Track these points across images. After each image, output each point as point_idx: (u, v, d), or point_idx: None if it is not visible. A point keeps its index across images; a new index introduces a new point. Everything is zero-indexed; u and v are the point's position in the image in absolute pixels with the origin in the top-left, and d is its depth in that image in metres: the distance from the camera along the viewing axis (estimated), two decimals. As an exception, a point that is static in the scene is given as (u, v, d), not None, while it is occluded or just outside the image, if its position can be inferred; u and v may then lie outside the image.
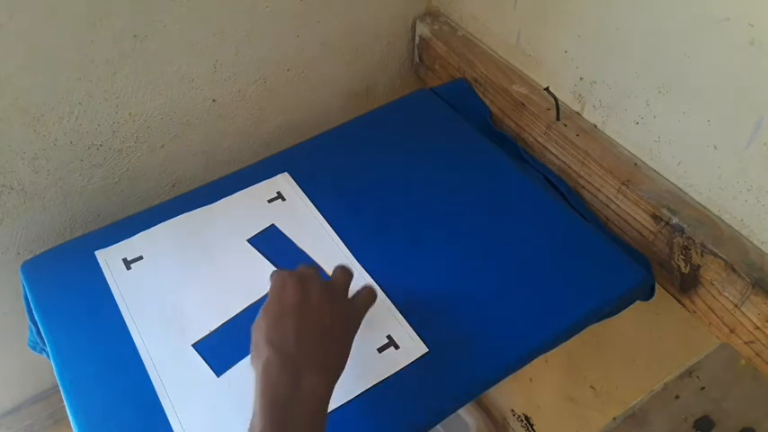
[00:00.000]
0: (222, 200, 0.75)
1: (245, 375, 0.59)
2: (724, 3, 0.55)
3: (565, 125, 0.76)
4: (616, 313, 0.68)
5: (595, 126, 0.76)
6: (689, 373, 0.58)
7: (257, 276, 0.66)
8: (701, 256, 0.64)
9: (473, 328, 0.63)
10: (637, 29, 0.65)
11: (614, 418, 0.56)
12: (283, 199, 0.76)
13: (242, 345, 0.59)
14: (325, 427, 0.48)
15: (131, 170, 0.82)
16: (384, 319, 0.64)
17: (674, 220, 0.66)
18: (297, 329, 0.50)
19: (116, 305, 0.66)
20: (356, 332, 0.56)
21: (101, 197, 0.82)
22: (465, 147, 0.81)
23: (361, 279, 0.67)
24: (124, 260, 0.70)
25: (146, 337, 0.63)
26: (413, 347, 0.61)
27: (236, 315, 0.64)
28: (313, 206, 0.75)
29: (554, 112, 0.77)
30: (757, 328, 0.60)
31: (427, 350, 0.61)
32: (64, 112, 0.71)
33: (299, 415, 0.46)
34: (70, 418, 0.58)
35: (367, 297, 0.58)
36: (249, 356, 0.53)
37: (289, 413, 0.46)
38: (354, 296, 0.57)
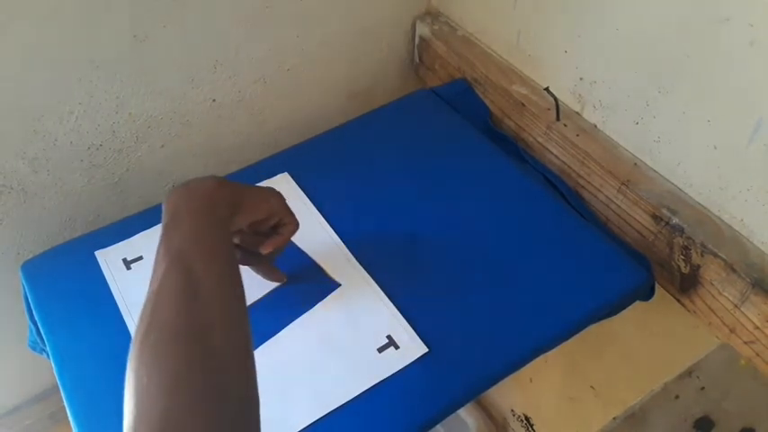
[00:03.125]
0: (222, 200, 0.75)
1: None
2: (724, 3, 0.55)
3: (565, 125, 0.76)
4: (616, 313, 0.68)
5: (595, 126, 0.76)
6: (689, 373, 0.58)
7: (257, 276, 0.66)
8: (701, 256, 0.64)
9: (473, 327, 0.63)
10: (637, 29, 0.65)
11: (614, 418, 0.56)
12: (283, 199, 0.76)
13: (242, 345, 0.59)
14: (213, 218, 0.51)
15: (131, 170, 0.82)
16: (384, 319, 0.64)
17: (674, 220, 0.66)
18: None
19: (116, 305, 0.66)
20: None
21: (101, 197, 0.82)
22: (465, 147, 0.81)
23: (362, 279, 0.67)
24: (124, 260, 0.70)
25: (146, 337, 0.63)
26: (413, 347, 0.61)
27: (236, 315, 0.64)
28: (313, 206, 0.75)
29: (554, 112, 0.77)
30: (757, 328, 0.60)
31: (427, 350, 0.61)
32: (64, 112, 0.71)
33: (185, 203, 0.50)
34: (70, 418, 0.58)
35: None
36: None
37: (176, 204, 0.50)
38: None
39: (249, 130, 0.89)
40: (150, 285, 0.46)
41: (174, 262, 0.46)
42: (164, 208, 0.51)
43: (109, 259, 0.70)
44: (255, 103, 0.87)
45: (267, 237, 0.61)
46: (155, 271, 0.46)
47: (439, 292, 0.66)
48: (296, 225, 0.61)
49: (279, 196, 0.60)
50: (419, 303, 0.65)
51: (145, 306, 0.44)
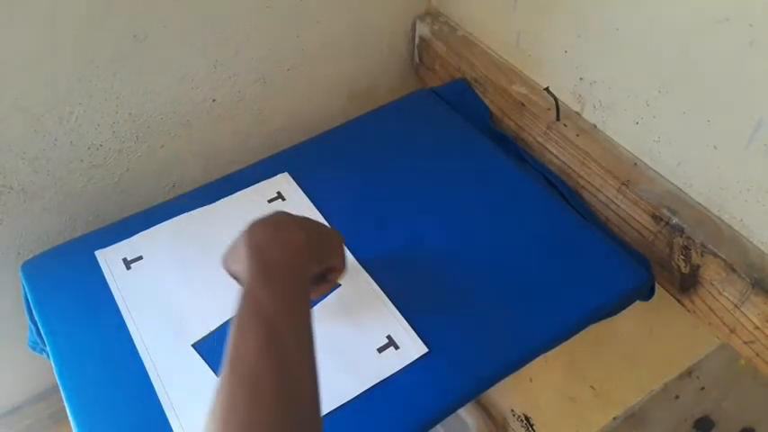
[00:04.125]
0: (222, 200, 0.75)
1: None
2: (724, 3, 0.55)
3: (565, 125, 0.76)
4: (616, 313, 0.68)
5: (595, 126, 0.76)
6: (689, 373, 0.58)
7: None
8: (701, 256, 0.64)
9: (473, 328, 0.63)
10: (637, 29, 0.65)
11: (614, 418, 0.56)
12: (283, 199, 0.76)
13: (242, 345, 0.59)
14: (302, 276, 0.50)
15: (131, 170, 0.82)
16: (384, 319, 0.64)
17: (674, 220, 0.66)
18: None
19: (116, 305, 0.66)
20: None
21: (101, 197, 0.82)
22: (465, 147, 0.82)
23: (362, 279, 0.67)
24: (124, 260, 0.70)
25: (146, 337, 0.63)
26: (413, 347, 0.61)
27: (236, 315, 0.64)
28: (313, 206, 0.75)
29: (554, 112, 0.77)
30: (757, 328, 0.60)
31: (427, 350, 0.61)
32: (64, 112, 0.71)
33: (277, 257, 0.49)
34: (70, 418, 0.58)
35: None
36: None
37: (268, 257, 0.48)
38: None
39: (249, 130, 0.89)
40: (236, 346, 0.43)
41: (268, 336, 0.43)
42: (245, 244, 0.49)
43: (109, 259, 0.70)
44: (255, 103, 0.87)
45: None
46: (242, 329, 0.43)
47: (439, 292, 0.66)
48: (344, 270, 0.60)
49: (343, 241, 0.59)
50: (419, 303, 0.65)
51: (232, 373, 0.41)
